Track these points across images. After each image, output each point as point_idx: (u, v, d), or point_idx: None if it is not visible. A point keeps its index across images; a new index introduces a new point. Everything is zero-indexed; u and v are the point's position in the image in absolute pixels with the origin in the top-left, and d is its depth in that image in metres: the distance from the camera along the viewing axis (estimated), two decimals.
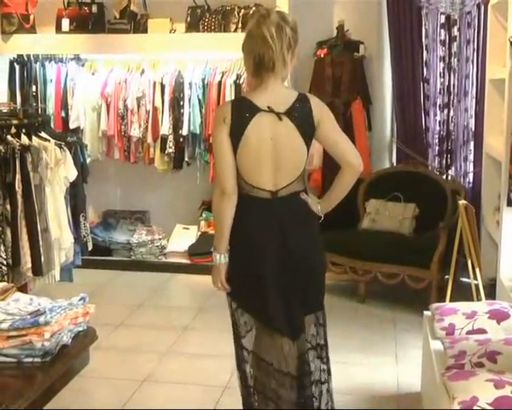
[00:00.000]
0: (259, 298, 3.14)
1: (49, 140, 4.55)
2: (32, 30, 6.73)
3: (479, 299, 4.80)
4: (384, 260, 5.64)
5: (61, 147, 4.56)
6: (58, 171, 4.49)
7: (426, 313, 4.09)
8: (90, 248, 5.16)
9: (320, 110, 3.10)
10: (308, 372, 3.20)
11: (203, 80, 6.58)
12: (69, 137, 4.82)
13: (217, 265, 3.24)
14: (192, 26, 6.54)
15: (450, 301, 4.88)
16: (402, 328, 5.26)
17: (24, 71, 6.80)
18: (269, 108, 3.01)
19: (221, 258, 3.24)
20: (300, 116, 3.04)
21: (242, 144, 3.01)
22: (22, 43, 6.68)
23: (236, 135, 3.01)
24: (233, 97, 6.41)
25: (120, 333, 5.17)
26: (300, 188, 3.16)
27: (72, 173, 4.62)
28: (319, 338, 3.25)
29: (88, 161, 5.08)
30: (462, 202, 4.90)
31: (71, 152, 4.69)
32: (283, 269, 3.11)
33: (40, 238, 4.48)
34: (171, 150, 6.61)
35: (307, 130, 3.05)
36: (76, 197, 4.80)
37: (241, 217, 3.14)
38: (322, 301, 3.30)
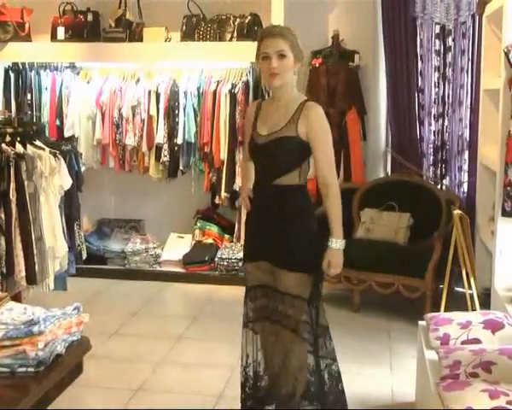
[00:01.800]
0: None
1: (43, 148, 4.54)
2: (28, 38, 6.74)
3: (473, 309, 4.81)
4: (379, 269, 5.64)
5: (55, 155, 4.56)
6: (53, 179, 4.48)
7: (420, 322, 4.09)
8: (84, 256, 5.15)
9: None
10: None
11: (198, 89, 6.59)
12: (64, 146, 4.81)
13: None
14: (187, 35, 6.54)
15: (445, 310, 4.89)
16: (396, 338, 5.25)
17: (19, 79, 6.80)
18: None
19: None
20: None
21: None
22: (17, 52, 6.68)
23: None
24: (228, 106, 6.43)
25: (115, 342, 5.15)
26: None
27: (67, 182, 4.61)
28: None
29: (82, 169, 5.08)
30: (456, 211, 4.91)
31: (65, 161, 4.68)
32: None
33: (34, 247, 4.47)
34: (165, 159, 6.61)
35: None
36: (70, 206, 4.79)
37: None
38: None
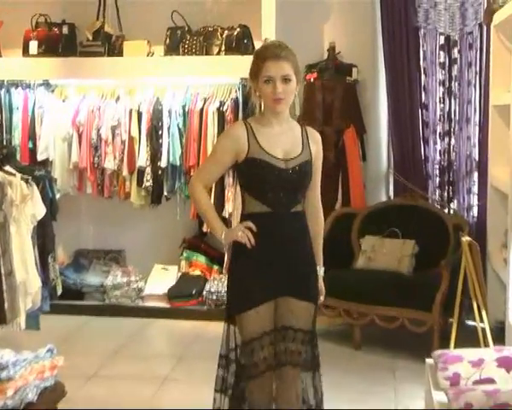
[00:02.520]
0: None
1: (14, 174, 4.50)
2: None
3: (486, 345, 4.77)
4: (381, 302, 5.60)
5: (27, 182, 4.51)
6: (24, 208, 4.43)
7: (428, 360, 4.05)
8: (59, 292, 5.10)
9: None
10: None
11: (183, 107, 6.58)
12: (37, 171, 4.77)
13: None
14: (171, 49, 6.55)
15: (455, 346, 4.86)
16: (402, 377, 5.20)
17: None
18: None
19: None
20: None
21: None
22: None
23: None
24: (216, 126, 6.42)
25: (93, 386, 5.08)
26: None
27: (40, 210, 4.56)
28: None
29: (57, 196, 5.04)
30: (465, 238, 4.88)
31: (38, 187, 4.64)
32: None
33: (4, 282, 4.41)
34: (148, 184, 6.58)
35: None
36: (44, 236, 4.74)
37: None
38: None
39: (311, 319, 3.50)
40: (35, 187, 4.57)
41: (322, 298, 3.61)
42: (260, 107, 3.81)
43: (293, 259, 3.46)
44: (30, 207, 4.46)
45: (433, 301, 5.38)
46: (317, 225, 3.59)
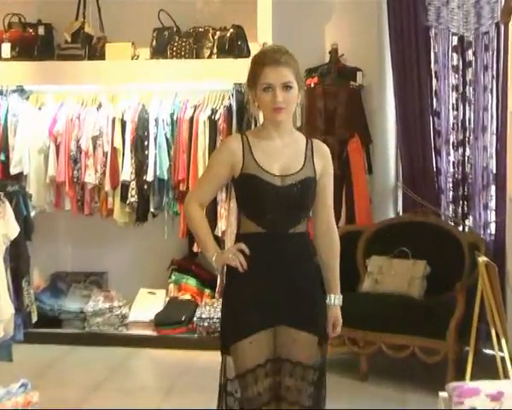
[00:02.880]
0: None
1: None
2: None
3: (506, 375, 4.73)
4: (390, 329, 5.57)
5: None
6: None
7: (441, 394, 4.02)
8: (34, 319, 5.05)
9: None
10: None
11: (172, 116, 6.58)
12: (10, 186, 4.73)
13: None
14: (158, 52, 6.54)
15: (471, 378, 4.82)
16: None
17: None
18: None
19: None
20: None
21: None
22: None
23: None
24: (208, 136, 6.39)
25: None
26: None
27: (13, 230, 4.52)
28: None
29: (33, 214, 4.98)
30: (482, 258, 4.86)
31: (11, 204, 4.59)
32: None
33: None
34: (133, 199, 6.55)
35: None
36: (18, 258, 4.69)
37: None
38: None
39: (316, 354, 3.44)
40: (7, 204, 4.52)
41: (338, 329, 3.54)
42: (255, 119, 3.78)
43: (293, 284, 3.39)
44: (1, 227, 4.42)
45: (447, 327, 5.34)
46: (330, 249, 3.48)
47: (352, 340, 5.71)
